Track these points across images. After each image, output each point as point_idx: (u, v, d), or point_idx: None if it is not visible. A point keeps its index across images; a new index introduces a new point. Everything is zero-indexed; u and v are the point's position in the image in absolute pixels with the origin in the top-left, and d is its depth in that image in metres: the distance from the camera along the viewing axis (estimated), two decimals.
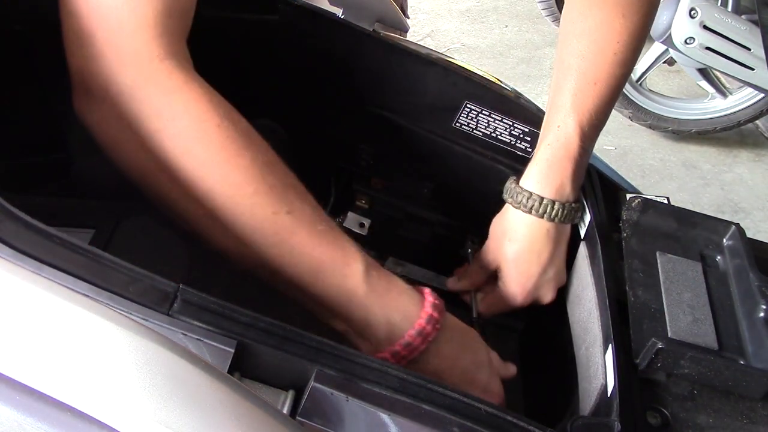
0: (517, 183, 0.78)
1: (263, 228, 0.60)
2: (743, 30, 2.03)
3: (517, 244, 0.78)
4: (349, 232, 0.92)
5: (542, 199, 0.75)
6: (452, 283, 0.87)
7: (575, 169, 0.76)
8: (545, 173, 0.76)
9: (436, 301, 0.65)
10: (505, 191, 0.80)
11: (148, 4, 0.59)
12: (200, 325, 0.52)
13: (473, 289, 0.86)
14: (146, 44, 0.59)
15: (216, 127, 0.59)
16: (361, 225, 0.93)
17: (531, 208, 0.76)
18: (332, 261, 0.61)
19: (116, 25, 0.59)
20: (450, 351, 0.66)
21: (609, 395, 0.61)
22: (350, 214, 0.94)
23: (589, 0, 0.76)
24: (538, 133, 0.88)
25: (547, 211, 0.75)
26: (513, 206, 0.78)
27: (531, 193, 0.76)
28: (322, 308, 0.63)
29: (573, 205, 0.76)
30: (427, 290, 0.66)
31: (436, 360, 0.64)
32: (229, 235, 0.60)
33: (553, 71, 0.81)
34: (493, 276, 0.83)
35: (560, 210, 0.75)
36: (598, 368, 0.66)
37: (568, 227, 0.78)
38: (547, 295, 0.79)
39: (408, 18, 1.60)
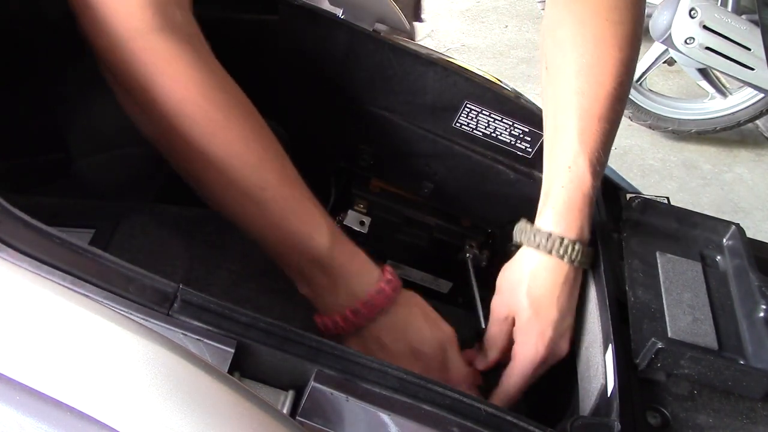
0: (532, 224, 0.74)
1: (238, 198, 0.67)
2: (743, 30, 2.02)
3: (536, 289, 0.72)
4: (349, 230, 0.92)
5: (563, 239, 0.71)
6: (481, 363, 0.78)
7: (591, 209, 0.73)
8: (564, 215, 0.72)
9: (391, 278, 0.72)
10: (518, 233, 0.74)
11: None
12: (200, 325, 0.52)
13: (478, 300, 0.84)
14: (128, 18, 0.62)
15: (197, 108, 0.64)
16: (362, 223, 0.93)
17: (551, 250, 0.71)
18: (300, 233, 0.68)
19: (100, 2, 0.62)
20: (397, 324, 0.72)
21: (609, 395, 0.61)
22: (350, 212, 0.94)
23: (583, 34, 0.74)
24: (539, 133, 0.88)
25: (569, 252, 0.71)
26: (530, 248, 0.73)
27: (551, 234, 0.71)
28: (289, 269, 0.71)
29: (591, 249, 0.73)
30: (387, 268, 0.73)
31: (383, 330, 0.71)
32: (211, 196, 0.69)
33: (545, 104, 0.78)
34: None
35: (581, 252, 0.71)
36: (598, 368, 0.66)
37: (581, 273, 0.74)
38: (564, 347, 0.74)
39: (422, 21, 1.59)
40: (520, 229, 0.74)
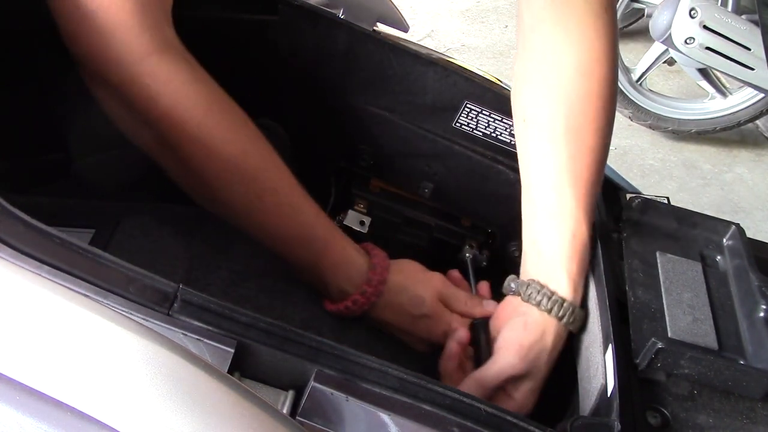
0: (543, 287, 0.73)
1: (236, 206, 0.71)
2: (743, 30, 2.02)
3: (546, 351, 0.72)
4: (349, 230, 0.92)
5: (574, 308, 0.72)
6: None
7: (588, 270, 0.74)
8: (578, 283, 0.72)
9: (377, 261, 0.77)
10: (534, 293, 0.73)
11: (121, 6, 0.62)
12: (200, 325, 0.52)
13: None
14: (127, 46, 0.64)
15: (197, 127, 0.67)
16: (362, 223, 0.93)
17: (562, 317, 0.71)
18: (296, 237, 0.74)
19: (98, 29, 0.63)
20: (389, 309, 0.78)
21: (609, 395, 0.61)
22: (350, 212, 0.94)
23: (564, 96, 0.73)
24: None
25: (575, 321, 0.72)
26: (544, 312, 0.72)
27: (564, 300, 0.72)
28: (289, 265, 0.77)
29: (582, 312, 0.73)
30: (371, 249, 0.78)
31: (380, 314, 0.78)
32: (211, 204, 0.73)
33: (525, 160, 0.76)
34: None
35: (578, 316, 0.72)
36: (598, 368, 0.66)
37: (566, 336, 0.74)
38: (531, 402, 0.73)
39: None
40: (537, 290, 0.73)
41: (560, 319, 0.72)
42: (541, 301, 0.72)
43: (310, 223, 0.74)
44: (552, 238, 0.74)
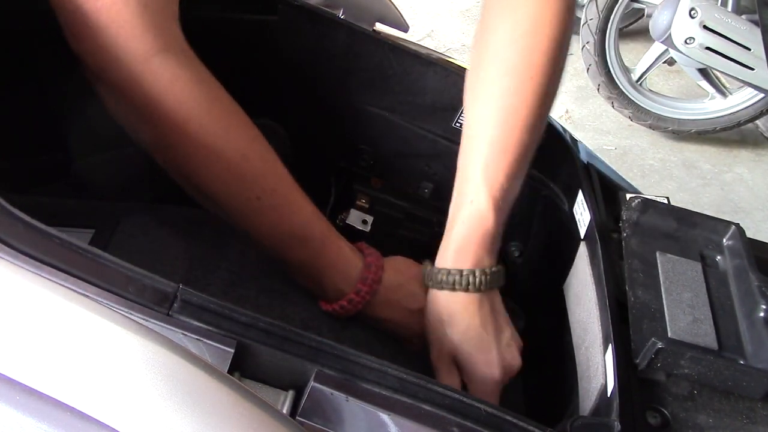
0: (434, 265, 0.76)
1: (236, 205, 0.71)
2: (743, 30, 2.03)
3: (459, 326, 0.74)
4: (351, 229, 0.92)
5: (461, 272, 0.72)
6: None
7: (492, 242, 0.74)
8: (462, 250, 0.73)
9: (372, 260, 0.77)
10: (424, 277, 0.77)
11: (124, 4, 0.62)
12: (200, 325, 0.52)
13: None
14: (131, 45, 0.63)
15: (199, 128, 0.67)
16: (364, 222, 0.93)
17: (454, 284, 0.73)
18: (292, 238, 0.74)
19: (101, 27, 0.62)
20: (384, 306, 0.78)
21: (609, 395, 0.61)
22: (353, 211, 0.94)
23: (499, 62, 0.73)
24: None
25: (470, 281, 0.72)
26: (436, 289, 0.75)
27: (449, 270, 0.73)
28: (285, 266, 0.77)
29: (494, 269, 0.74)
30: (365, 249, 0.78)
31: (376, 311, 0.78)
32: (211, 204, 0.73)
33: (463, 130, 0.77)
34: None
35: (483, 278, 0.72)
36: (598, 368, 0.66)
37: (496, 291, 0.75)
38: (516, 360, 0.75)
39: None
40: (425, 274, 0.76)
41: (454, 288, 0.73)
42: (431, 279, 0.75)
43: (308, 222, 0.75)
44: (453, 204, 0.76)
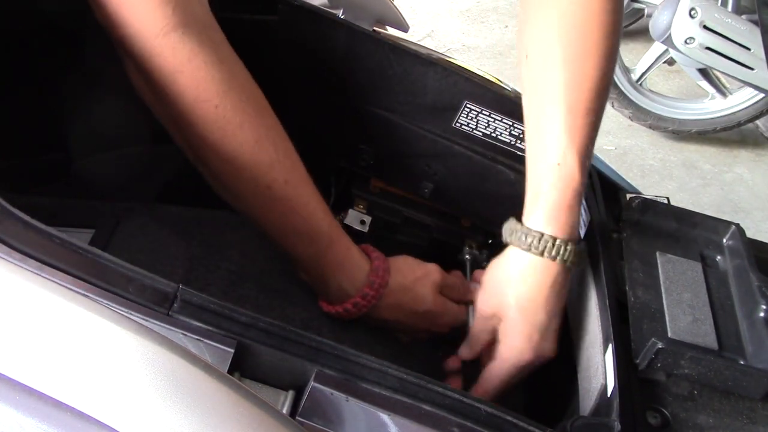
0: (522, 223, 0.72)
1: (247, 194, 0.70)
2: (743, 30, 2.02)
3: (524, 291, 0.71)
4: (350, 229, 0.92)
5: (555, 240, 0.69)
6: (465, 351, 0.79)
7: (579, 206, 0.72)
8: (555, 215, 0.70)
9: (378, 264, 0.77)
10: (507, 233, 0.73)
11: None
12: (200, 325, 0.52)
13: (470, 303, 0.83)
14: (149, 18, 0.62)
15: (214, 108, 0.66)
16: (362, 222, 0.94)
17: (543, 251, 0.69)
18: (300, 233, 0.73)
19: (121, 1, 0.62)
20: (390, 309, 0.78)
21: (609, 395, 0.61)
22: (351, 212, 0.94)
23: (568, 23, 0.72)
24: None
25: (561, 253, 0.69)
26: (520, 249, 0.71)
27: (542, 234, 0.69)
28: (291, 259, 0.76)
29: (580, 247, 0.72)
30: (371, 252, 0.78)
31: (381, 314, 0.78)
32: (222, 190, 0.72)
33: (525, 94, 0.76)
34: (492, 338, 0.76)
35: (572, 252, 0.70)
36: (598, 368, 0.66)
37: (569, 272, 0.73)
38: (550, 349, 0.73)
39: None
40: (510, 229, 0.73)
41: (541, 254, 0.70)
42: (518, 238, 0.71)
43: (317, 217, 0.73)
44: (535, 169, 0.73)
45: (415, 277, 0.79)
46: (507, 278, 0.73)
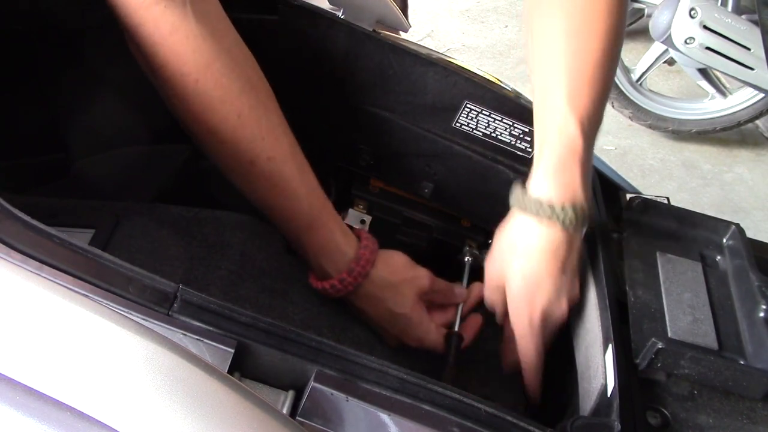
0: (525, 189, 0.72)
1: (233, 167, 0.72)
2: (743, 30, 2.02)
3: (527, 256, 0.71)
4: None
5: (553, 204, 0.69)
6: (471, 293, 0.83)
7: (584, 171, 0.70)
8: (554, 178, 0.69)
9: (368, 243, 0.78)
10: (512, 199, 0.73)
11: None
12: (200, 325, 0.52)
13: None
14: None
15: (194, 83, 0.67)
16: (362, 222, 0.94)
17: (543, 215, 0.69)
18: (283, 209, 0.75)
19: None
20: (368, 300, 0.79)
21: (609, 395, 0.61)
22: (351, 212, 0.94)
23: (568, 1, 0.72)
24: None
25: (561, 217, 0.69)
26: (523, 214, 0.71)
27: (541, 199, 0.69)
28: (282, 233, 0.79)
29: (586, 208, 0.71)
30: (363, 234, 0.79)
31: (359, 302, 0.79)
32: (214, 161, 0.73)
33: (532, 70, 0.75)
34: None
35: (575, 215, 0.69)
36: (598, 368, 0.66)
37: (580, 235, 0.72)
38: (561, 310, 0.73)
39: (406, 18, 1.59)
40: (514, 195, 0.73)
41: (541, 218, 0.69)
42: (521, 205, 0.71)
43: (299, 196, 0.74)
44: (538, 136, 0.72)
45: (403, 278, 0.79)
46: (511, 245, 0.73)
